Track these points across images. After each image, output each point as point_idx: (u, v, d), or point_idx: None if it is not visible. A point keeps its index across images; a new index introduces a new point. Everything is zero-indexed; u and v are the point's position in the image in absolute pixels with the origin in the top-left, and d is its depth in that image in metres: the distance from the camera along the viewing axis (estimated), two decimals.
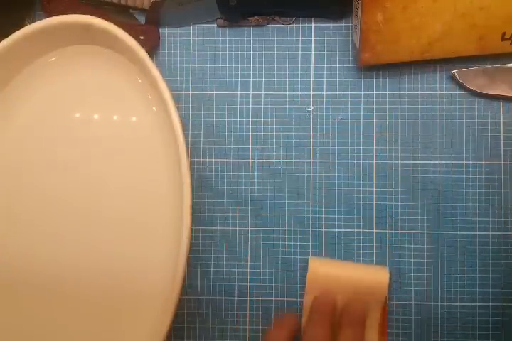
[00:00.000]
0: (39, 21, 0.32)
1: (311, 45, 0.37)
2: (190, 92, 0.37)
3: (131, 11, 0.37)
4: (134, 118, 0.35)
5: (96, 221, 0.34)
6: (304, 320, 0.34)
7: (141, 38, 0.35)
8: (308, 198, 0.36)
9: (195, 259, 0.36)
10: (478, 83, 0.35)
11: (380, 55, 0.34)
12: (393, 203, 0.36)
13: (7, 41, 0.32)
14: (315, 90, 0.37)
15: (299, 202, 0.36)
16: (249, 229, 0.36)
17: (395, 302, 0.35)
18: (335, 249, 0.36)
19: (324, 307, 0.33)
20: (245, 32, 0.37)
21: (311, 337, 0.31)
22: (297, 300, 0.36)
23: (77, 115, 0.35)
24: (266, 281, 0.36)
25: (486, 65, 0.35)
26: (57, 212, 0.35)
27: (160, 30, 0.37)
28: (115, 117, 0.35)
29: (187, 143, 0.31)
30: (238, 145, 0.37)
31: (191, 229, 0.30)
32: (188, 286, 0.36)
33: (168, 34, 0.37)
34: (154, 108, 0.34)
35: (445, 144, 0.36)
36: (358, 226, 0.36)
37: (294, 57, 0.37)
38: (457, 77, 0.35)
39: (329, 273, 0.34)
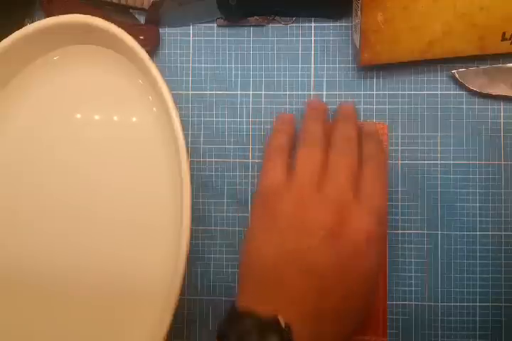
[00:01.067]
0: (39, 21, 0.32)
1: (311, 45, 0.37)
2: (190, 92, 0.37)
3: (131, 10, 0.37)
4: (134, 118, 0.35)
5: (96, 221, 0.34)
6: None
7: (141, 37, 0.35)
8: None
9: (195, 259, 0.36)
10: (478, 83, 0.35)
11: (380, 55, 0.34)
12: (393, 203, 0.36)
13: (7, 41, 0.32)
14: (315, 90, 0.37)
15: None
16: None
17: (394, 303, 0.35)
18: None
19: (317, 104, 0.35)
20: (245, 32, 0.37)
21: (309, 132, 0.32)
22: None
23: (77, 115, 0.35)
24: None
25: (486, 65, 0.35)
26: (56, 213, 0.35)
27: (160, 30, 0.37)
28: (115, 117, 0.35)
29: (187, 143, 0.31)
30: (238, 145, 0.37)
31: (191, 229, 0.30)
32: (188, 286, 0.36)
33: (168, 34, 0.37)
34: (154, 108, 0.34)
35: (445, 144, 0.36)
36: None
37: (294, 57, 0.37)
38: (457, 77, 0.35)
39: None
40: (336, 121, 0.34)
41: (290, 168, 0.31)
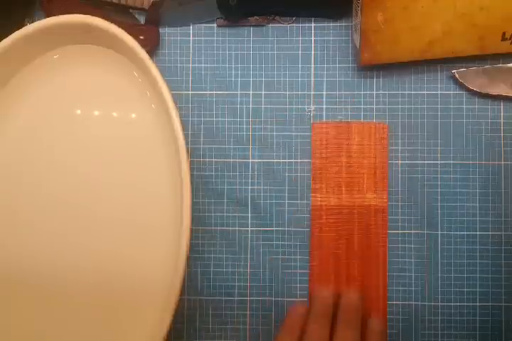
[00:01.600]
0: (39, 21, 0.32)
1: (311, 45, 0.37)
2: (190, 92, 0.37)
3: (131, 10, 0.37)
4: (134, 118, 0.35)
5: (96, 220, 0.34)
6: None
7: (141, 37, 0.35)
8: (308, 198, 0.36)
9: (195, 259, 0.36)
10: (478, 83, 0.35)
11: (380, 55, 0.34)
12: (393, 203, 0.36)
13: (7, 41, 0.32)
14: (315, 90, 0.37)
15: (298, 202, 0.36)
16: (249, 229, 0.36)
17: (394, 302, 0.35)
18: None
19: (321, 304, 0.34)
20: (245, 32, 0.37)
21: (311, 338, 0.32)
22: (297, 301, 0.36)
23: (77, 115, 0.35)
24: (266, 281, 0.36)
25: (486, 64, 0.35)
26: (56, 212, 0.34)
27: (160, 30, 0.37)
28: (115, 117, 0.35)
29: (187, 143, 0.31)
30: (238, 145, 0.37)
31: (191, 229, 0.30)
32: (188, 286, 0.36)
33: (168, 34, 0.37)
34: (154, 108, 0.34)
35: (445, 144, 0.36)
36: None
37: (294, 57, 0.37)
38: (457, 77, 0.35)
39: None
40: (338, 322, 0.33)
41: None
